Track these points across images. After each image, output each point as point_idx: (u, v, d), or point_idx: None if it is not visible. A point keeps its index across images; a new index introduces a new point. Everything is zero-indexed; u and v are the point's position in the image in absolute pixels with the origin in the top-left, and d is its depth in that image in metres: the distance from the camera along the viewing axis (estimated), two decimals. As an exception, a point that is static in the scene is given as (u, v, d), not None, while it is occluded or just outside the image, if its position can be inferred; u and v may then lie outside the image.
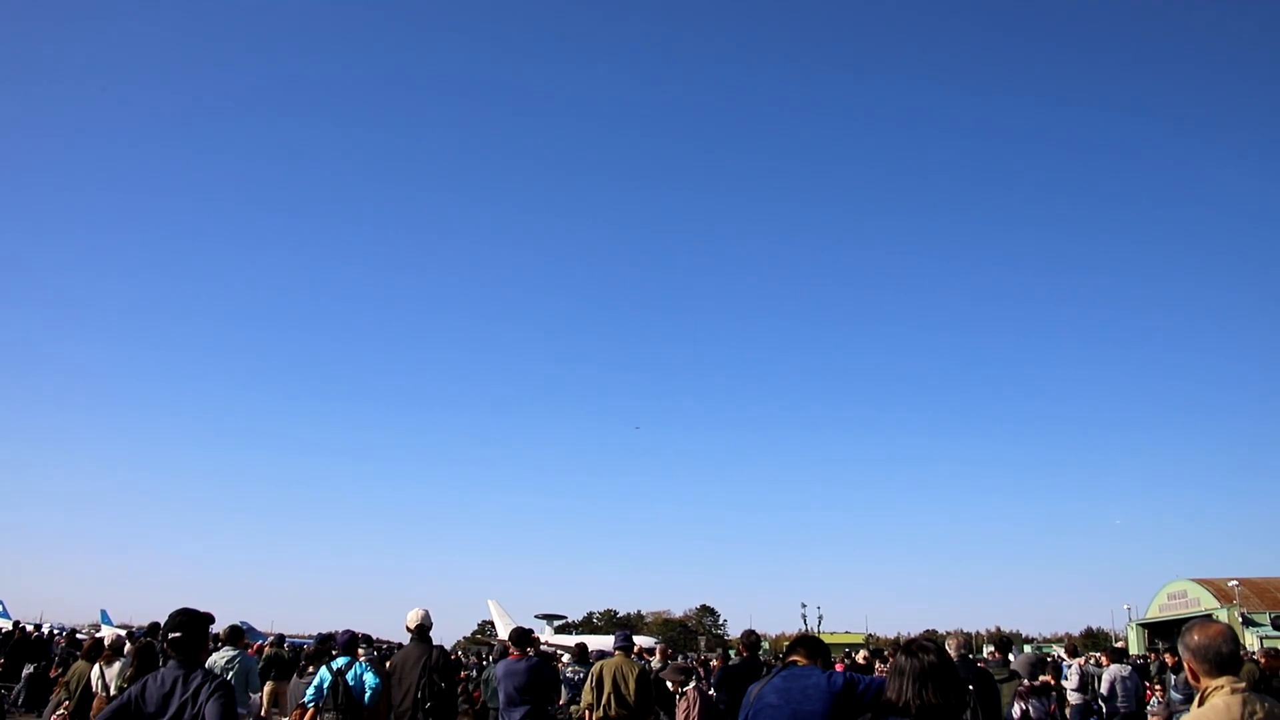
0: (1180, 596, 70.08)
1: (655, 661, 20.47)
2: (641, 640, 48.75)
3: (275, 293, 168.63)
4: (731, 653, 51.72)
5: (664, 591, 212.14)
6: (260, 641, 28.48)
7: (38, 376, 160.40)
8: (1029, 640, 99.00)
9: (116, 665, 12.52)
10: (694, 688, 9.73)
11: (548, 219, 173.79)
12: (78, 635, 39.89)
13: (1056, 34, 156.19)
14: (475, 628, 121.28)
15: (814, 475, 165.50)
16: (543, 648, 40.51)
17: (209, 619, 5.66)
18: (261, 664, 17.93)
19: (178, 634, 5.22)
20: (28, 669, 22.29)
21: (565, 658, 24.75)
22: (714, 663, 30.87)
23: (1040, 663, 12.66)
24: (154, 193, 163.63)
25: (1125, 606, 78.28)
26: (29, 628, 33.76)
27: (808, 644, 5.67)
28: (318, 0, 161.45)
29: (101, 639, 14.42)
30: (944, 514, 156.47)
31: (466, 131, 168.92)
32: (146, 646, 11.15)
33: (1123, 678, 16.85)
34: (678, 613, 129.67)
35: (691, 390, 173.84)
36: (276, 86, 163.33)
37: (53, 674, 21.26)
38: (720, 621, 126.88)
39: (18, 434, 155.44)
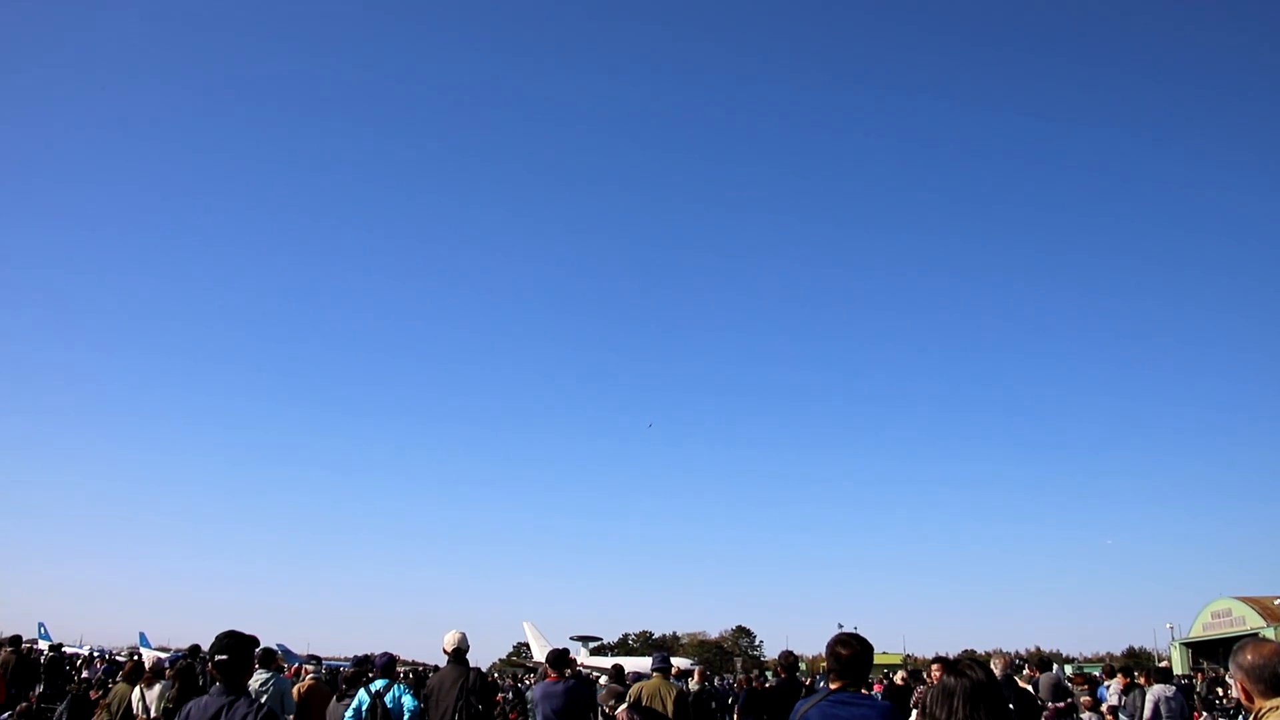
0: (1224, 615, 68.82)
1: (693, 683, 20.39)
2: (678, 662, 48.51)
3: (305, 305, 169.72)
4: (769, 674, 51.31)
5: (699, 612, 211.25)
6: (296, 664, 28.61)
7: (69, 393, 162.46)
8: (1069, 660, 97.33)
9: (157, 688, 12.62)
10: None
11: (582, 237, 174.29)
12: (117, 658, 40.30)
13: (1066, 45, 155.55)
14: (510, 649, 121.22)
15: (849, 495, 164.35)
16: (578, 669, 40.48)
17: (254, 642, 5.69)
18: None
19: (224, 657, 5.21)
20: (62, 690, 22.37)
21: (602, 679, 24.67)
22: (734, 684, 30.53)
23: (1064, 685, 12.54)
24: (160, 193, 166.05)
25: (1168, 625, 77.17)
26: (41, 646, 33.96)
27: (853, 670, 5.51)
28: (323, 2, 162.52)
29: (141, 661, 14.52)
30: (982, 532, 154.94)
31: (481, 139, 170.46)
32: (188, 669, 11.24)
33: (1167, 698, 16.53)
34: (713, 634, 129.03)
35: (725, 410, 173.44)
36: (282, 88, 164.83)
37: (93, 696, 21.42)
38: (756, 642, 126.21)
39: (54, 455, 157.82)
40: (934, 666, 12.36)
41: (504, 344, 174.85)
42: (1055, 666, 25.48)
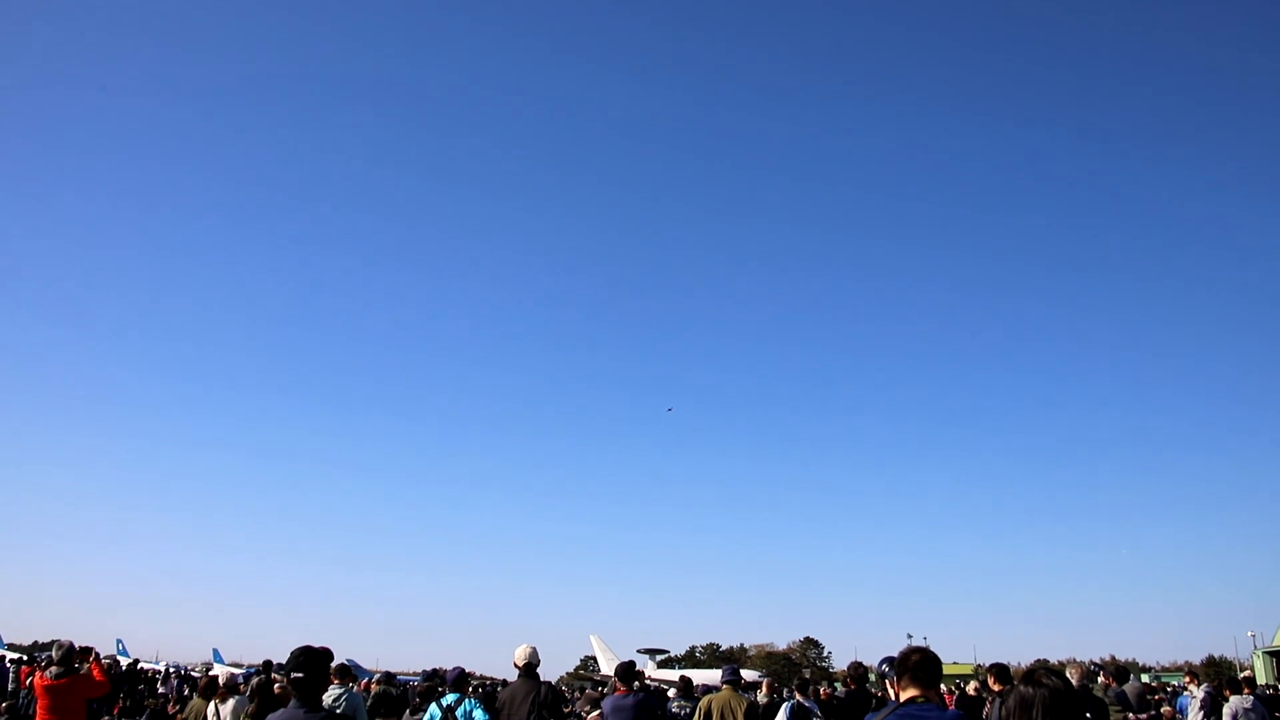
0: (1311, 623, 66.82)
1: (761, 696, 20.29)
2: (745, 674, 48.26)
3: (357, 315, 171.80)
4: (838, 685, 50.90)
5: (766, 623, 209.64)
6: (366, 679, 28.85)
7: (140, 419, 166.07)
8: (1146, 669, 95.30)
9: (231, 703, 12.78)
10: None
11: (631, 244, 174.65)
12: (191, 674, 41.02)
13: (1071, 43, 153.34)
14: (578, 663, 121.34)
15: (917, 503, 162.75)
16: (647, 682, 40.46)
17: (329, 657, 5.71)
18: (370, 701, 18.11)
19: (300, 674, 5.24)
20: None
21: (671, 692, 24.61)
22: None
23: (1148, 694, 12.20)
24: (161, 192, 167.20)
25: (1250, 634, 74.96)
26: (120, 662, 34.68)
27: (923, 674, 5.41)
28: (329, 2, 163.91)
29: (215, 677, 14.71)
30: (1053, 539, 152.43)
31: (496, 137, 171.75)
32: (265, 684, 11.40)
33: (1245, 709, 16.04)
34: (781, 645, 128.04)
35: (792, 424, 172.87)
36: (283, 85, 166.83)
37: (171, 710, 21.85)
38: (824, 654, 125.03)
39: (131, 480, 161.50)
40: (989, 676, 12.10)
41: (573, 356, 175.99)
42: (1131, 676, 24.90)
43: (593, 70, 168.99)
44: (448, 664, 11.36)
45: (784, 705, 15.32)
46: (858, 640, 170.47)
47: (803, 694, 17.22)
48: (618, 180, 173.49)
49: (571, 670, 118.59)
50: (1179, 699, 23.20)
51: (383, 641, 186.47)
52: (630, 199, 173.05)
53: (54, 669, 11.23)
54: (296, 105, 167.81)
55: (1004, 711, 4.25)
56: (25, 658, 35.51)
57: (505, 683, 41.91)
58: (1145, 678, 53.50)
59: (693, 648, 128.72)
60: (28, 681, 22.72)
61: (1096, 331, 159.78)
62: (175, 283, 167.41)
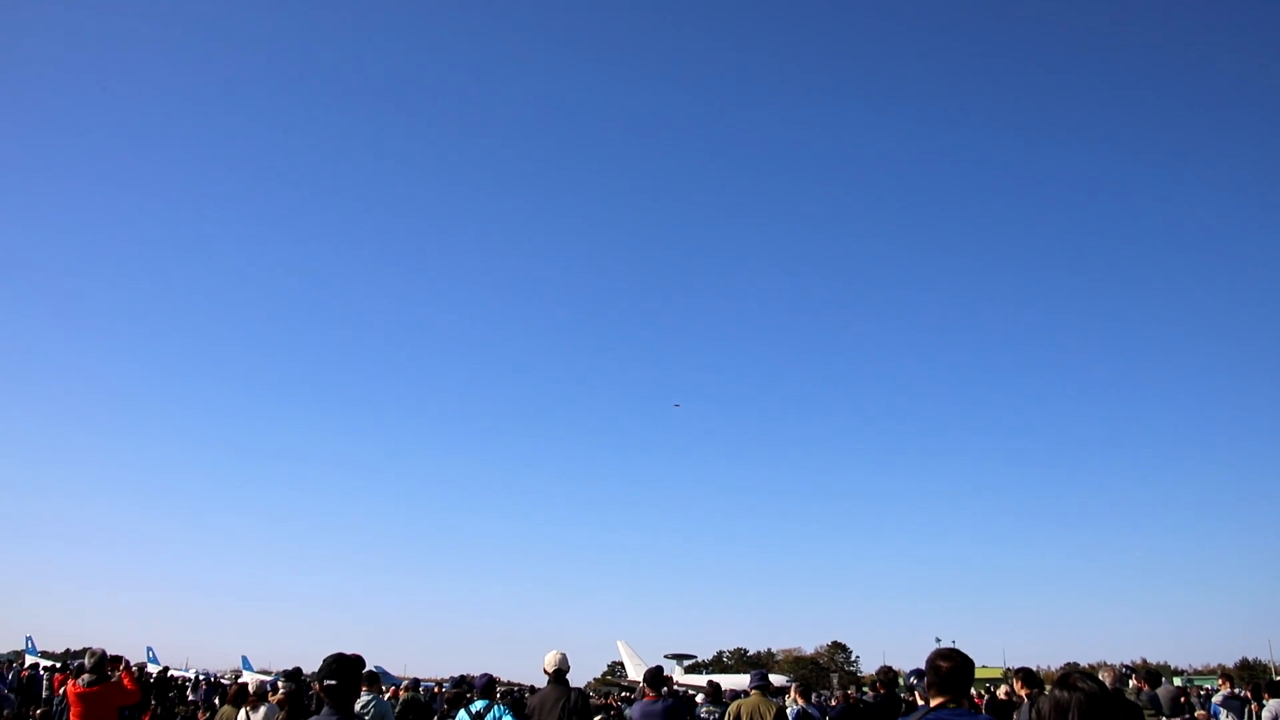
0: (1346, 624, 66.08)
1: (790, 701, 20.18)
2: (773, 679, 48.13)
3: (393, 319, 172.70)
4: (865, 689, 50.49)
5: (793, 628, 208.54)
6: (395, 685, 28.92)
7: (168, 429, 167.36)
8: (1178, 672, 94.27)
9: (262, 710, 12.84)
10: None
11: (674, 256, 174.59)
12: (221, 681, 41.30)
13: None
14: (605, 668, 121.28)
15: (944, 506, 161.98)
16: (675, 688, 40.35)
17: (361, 664, 5.74)
18: (399, 708, 18.17)
19: (333, 682, 5.25)
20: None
21: (699, 698, 24.55)
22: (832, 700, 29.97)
23: (1182, 698, 12.02)
24: (161, 192, 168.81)
25: (1286, 636, 74.32)
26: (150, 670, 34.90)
27: (954, 679, 5.33)
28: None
29: (245, 684, 14.82)
30: (1081, 541, 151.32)
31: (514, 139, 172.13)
32: (296, 693, 11.46)
33: None
34: (809, 649, 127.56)
35: (816, 428, 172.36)
36: (285, 85, 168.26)
37: (201, 717, 21.98)
38: (852, 658, 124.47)
39: (159, 487, 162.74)
40: (1016, 680, 11.98)
41: (600, 364, 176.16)
42: (1164, 679, 24.57)
43: (598, 70, 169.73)
44: (475, 670, 11.41)
45: (788, 710, 15.21)
46: (885, 644, 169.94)
47: (805, 699, 17.11)
48: (633, 180, 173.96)
49: (598, 676, 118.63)
50: (1211, 703, 22.89)
51: (411, 648, 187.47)
52: (646, 201, 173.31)
53: (86, 677, 11.36)
54: (308, 102, 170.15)
55: (1036, 716, 4.19)
56: (58, 665, 35.83)
57: (533, 688, 42.04)
58: (1177, 681, 52.88)
59: (720, 653, 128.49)
60: (61, 689, 22.93)
61: (1129, 335, 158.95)
62: (218, 289, 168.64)
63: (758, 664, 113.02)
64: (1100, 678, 11.68)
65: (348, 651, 5.59)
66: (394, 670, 74.14)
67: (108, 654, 11.96)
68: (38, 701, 26.86)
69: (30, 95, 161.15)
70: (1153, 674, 16.57)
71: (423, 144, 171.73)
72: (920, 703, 5.78)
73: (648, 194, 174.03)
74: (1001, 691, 23.95)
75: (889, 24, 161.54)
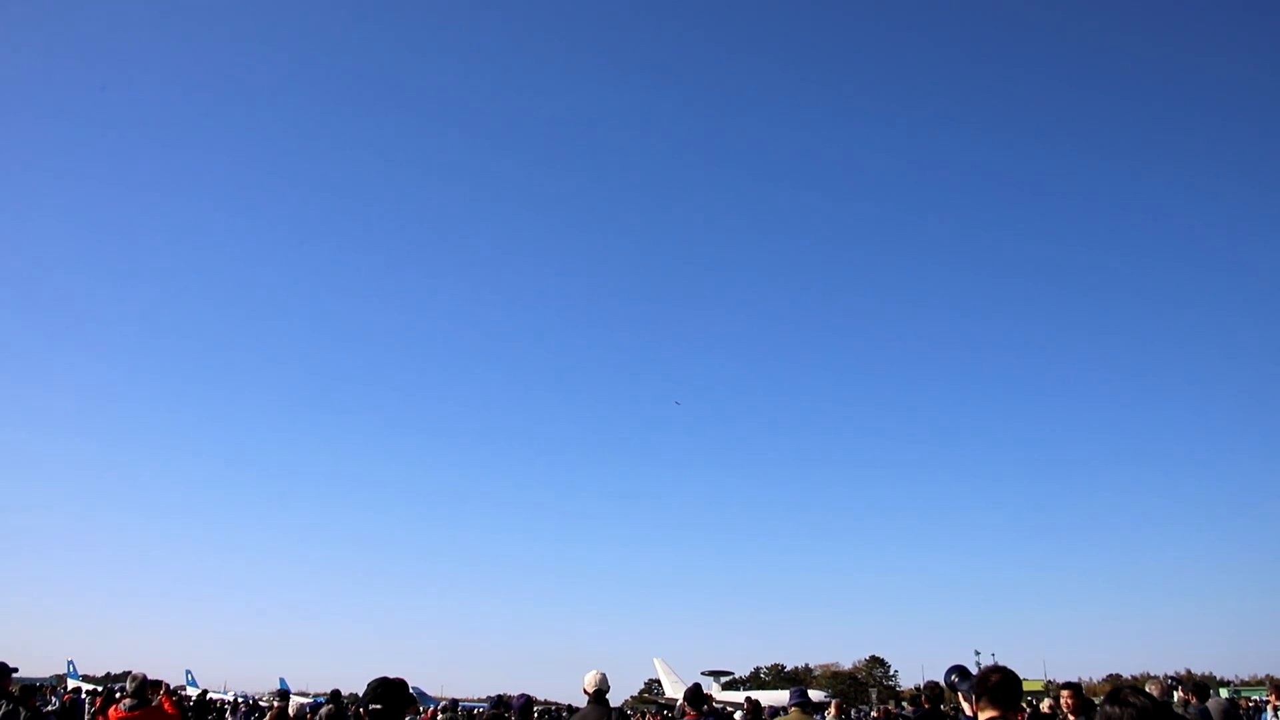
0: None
1: (830, 716, 20.04)
2: (812, 694, 47.82)
3: (425, 340, 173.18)
4: (905, 704, 50.14)
5: (831, 643, 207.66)
6: (432, 706, 28.96)
7: (203, 451, 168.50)
8: (1224, 683, 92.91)
9: (302, 733, 12.93)
10: None
11: (684, 265, 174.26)
12: (259, 703, 41.53)
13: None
14: (642, 686, 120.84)
15: (982, 519, 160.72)
16: (714, 705, 40.14)
17: (405, 687, 5.64)
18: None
19: (378, 706, 5.24)
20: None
21: (738, 715, 24.44)
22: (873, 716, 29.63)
23: (1234, 710, 11.79)
24: (162, 192, 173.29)
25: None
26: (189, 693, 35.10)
27: (1002, 695, 5.22)
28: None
29: (285, 708, 14.90)
30: (1124, 549, 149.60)
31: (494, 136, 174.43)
32: (338, 715, 11.50)
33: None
34: (846, 664, 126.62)
35: (856, 443, 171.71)
36: (286, 85, 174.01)
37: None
38: (891, 672, 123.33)
39: (197, 510, 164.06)
40: (1065, 693, 11.79)
41: (636, 382, 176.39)
42: (1211, 691, 24.14)
43: (599, 76, 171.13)
44: (513, 690, 11.39)
45: None
46: (925, 659, 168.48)
47: (844, 715, 16.94)
48: (632, 187, 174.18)
49: (635, 694, 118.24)
50: (1264, 715, 22.49)
51: (448, 669, 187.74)
52: (647, 205, 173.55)
53: (128, 701, 11.46)
54: (308, 102, 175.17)
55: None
56: (99, 689, 36.10)
57: (571, 708, 42.00)
58: (1224, 692, 52.01)
59: (757, 669, 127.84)
60: (102, 714, 23.11)
61: (1171, 351, 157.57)
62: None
63: (795, 680, 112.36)
64: (1148, 690, 11.51)
65: (392, 675, 5.58)
66: (430, 691, 74.24)
67: (148, 678, 12.05)
68: (81, 726, 27.09)
69: (30, 95, 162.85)
70: (1200, 686, 16.27)
71: (431, 152, 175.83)
72: (965, 711, 5.69)
73: (654, 199, 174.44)
74: (1045, 705, 23.76)
75: (893, 31, 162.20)
